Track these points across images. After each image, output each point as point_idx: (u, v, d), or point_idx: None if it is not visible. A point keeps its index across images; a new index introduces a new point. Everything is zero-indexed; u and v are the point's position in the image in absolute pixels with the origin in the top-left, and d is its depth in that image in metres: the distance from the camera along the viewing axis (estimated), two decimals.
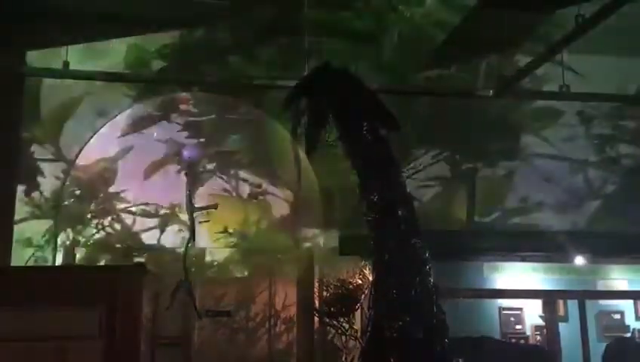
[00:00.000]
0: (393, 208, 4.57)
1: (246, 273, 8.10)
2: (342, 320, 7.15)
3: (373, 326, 4.46)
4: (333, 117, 4.85)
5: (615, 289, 9.13)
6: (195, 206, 7.71)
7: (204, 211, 7.38)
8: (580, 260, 8.63)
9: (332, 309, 7.22)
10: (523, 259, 8.68)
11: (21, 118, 7.38)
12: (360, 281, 7.12)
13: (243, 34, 8.58)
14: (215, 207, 7.69)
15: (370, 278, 5.17)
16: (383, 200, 4.60)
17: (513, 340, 8.74)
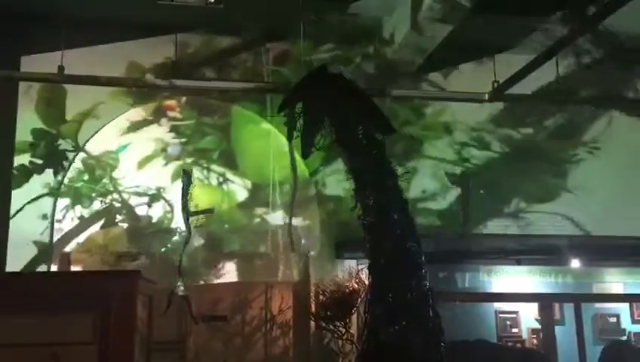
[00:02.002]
0: (389, 212, 4.57)
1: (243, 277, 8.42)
2: (338, 324, 7.13)
3: (370, 330, 4.45)
4: (329, 120, 4.85)
5: (611, 292, 9.14)
6: (191, 210, 7.95)
7: (200, 215, 7.94)
8: (575, 263, 8.64)
9: (328, 313, 7.21)
10: (519, 263, 8.69)
11: (15, 122, 8.00)
12: (356, 285, 7.11)
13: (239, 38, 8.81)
14: (211, 211, 8.03)
15: (367, 282, 5.15)
16: (378, 204, 4.60)
17: (509, 343, 8.74)
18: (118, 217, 7.54)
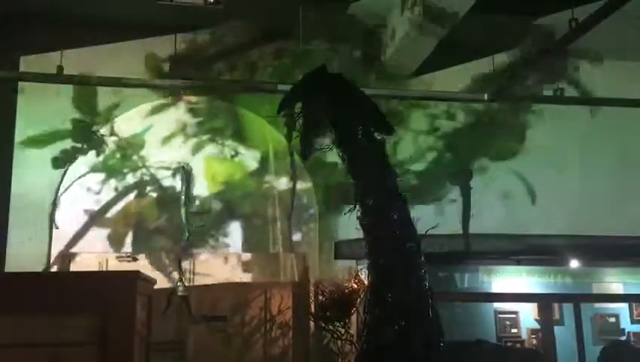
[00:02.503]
0: (389, 212, 4.57)
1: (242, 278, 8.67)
2: (337, 324, 7.14)
3: (369, 330, 4.44)
4: (329, 120, 4.85)
5: (610, 292, 9.15)
6: (191, 211, 8.16)
7: (201, 215, 8.27)
8: (575, 263, 8.65)
9: (328, 314, 7.21)
10: (518, 263, 8.69)
11: (14, 122, 8.38)
12: (355, 285, 7.12)
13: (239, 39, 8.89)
14: (208, 211, 8.20)
15: (366, 282, 5.15)
16: (378, 204, 4.59)
17: (509, 344, 8.75)
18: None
